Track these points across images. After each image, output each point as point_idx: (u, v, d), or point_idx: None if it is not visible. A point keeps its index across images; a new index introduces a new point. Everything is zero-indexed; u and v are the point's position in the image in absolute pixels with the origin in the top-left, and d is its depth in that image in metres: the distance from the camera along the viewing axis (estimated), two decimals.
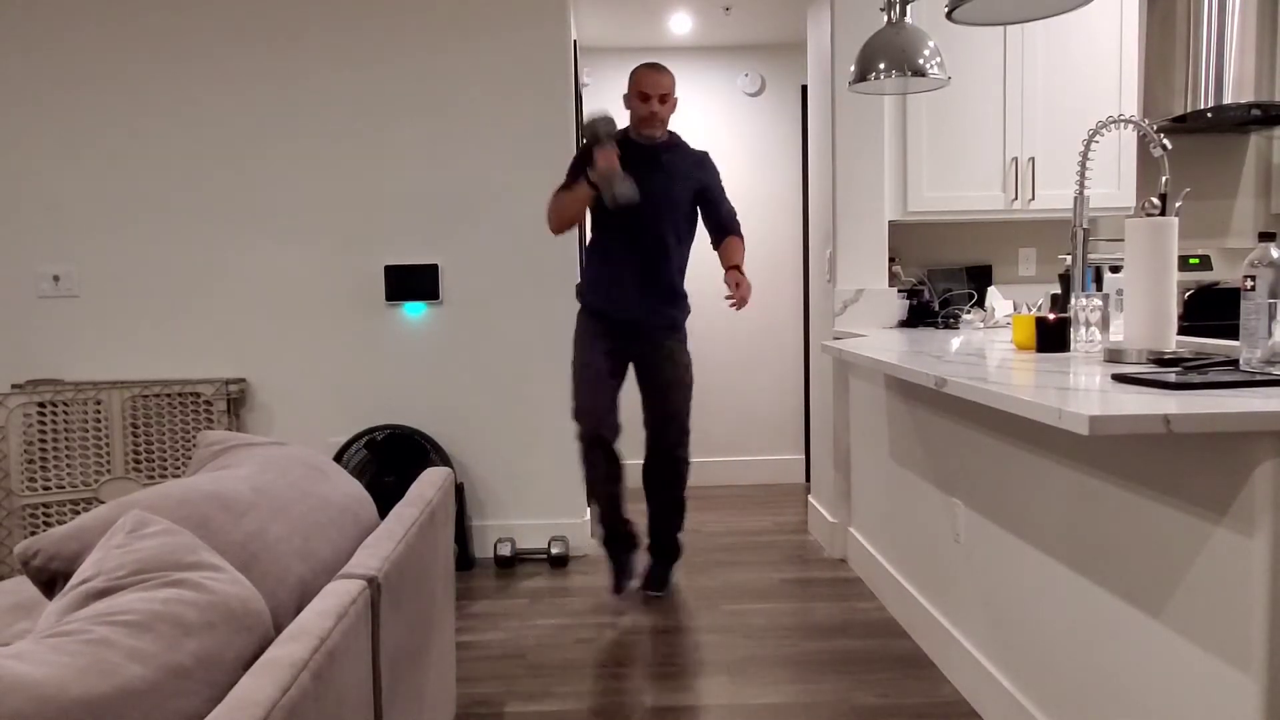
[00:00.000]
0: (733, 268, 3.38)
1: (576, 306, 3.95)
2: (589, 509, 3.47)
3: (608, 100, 5.07)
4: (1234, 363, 1.89)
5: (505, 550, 3.88)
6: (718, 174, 3.48)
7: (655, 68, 3.33)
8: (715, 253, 3.51)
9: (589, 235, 3.48)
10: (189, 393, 3.76)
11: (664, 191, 3.34)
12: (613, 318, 3.38)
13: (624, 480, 3.45)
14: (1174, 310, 2.13)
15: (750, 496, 4.99)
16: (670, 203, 3.36)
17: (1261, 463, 1.44)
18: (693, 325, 5.17)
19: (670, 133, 3.43)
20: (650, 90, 3.30)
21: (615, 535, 3.48)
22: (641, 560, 3.60)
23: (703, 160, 3.46)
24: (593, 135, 3.14)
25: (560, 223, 3.33)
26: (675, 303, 3.44)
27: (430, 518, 1.92)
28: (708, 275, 5.16)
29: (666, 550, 3.57)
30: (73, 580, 1.13)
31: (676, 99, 3.38)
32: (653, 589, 3.51)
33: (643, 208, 3.27)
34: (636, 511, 3.57)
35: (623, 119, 3.36)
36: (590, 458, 3.37)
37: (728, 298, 3.34)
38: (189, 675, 1.03)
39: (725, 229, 3.48)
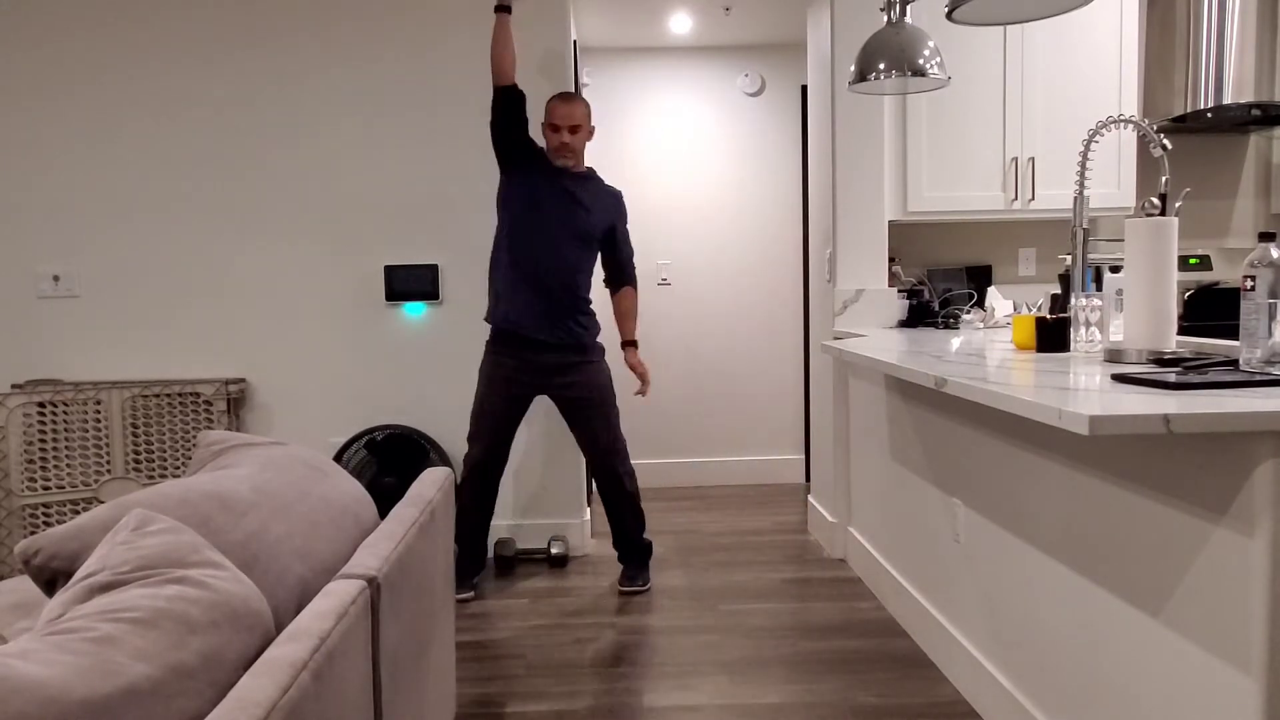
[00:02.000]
0: (629, 343, 3.64)
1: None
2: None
3: (603, 104, 5.07)
4: (1234, 363, 1.89)
5: (505, 550, 3.88)
6: (626, 214, 3.64)
7: (566, 99, 3.45)
8: (611, 294, 3.68)
9: (493, 256, 3.54)
10: (189, 393, 3.76)
11: (573, 216, 3.45)
12: (519, 339, 3.44)
13: (492, 509, 3.56)
14: (1174, 310, 2.13)
15: (750, 496, 4.99)
16: (578, 229, 3.45)
17: (1261, 463, 1.44)
18: (693, 323, 5.17)
19: (589, 168, 3.56)
20: (560, 122, 3.42)
21: (470, 554, 3.55)
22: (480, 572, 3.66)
23: (617, 197, 3.60)
24: None
25: (498, 55, 3.42)
26: (582, 324, 3.51)
27: (430, 518, 1.92)
28: (707, 273, 5.16)
29: (636, 550, 3.60)
30: (77, 575, 1.13)
31: (592, 128, 3.53)
32: (636, 585, 3.54)
33: (553, 227, 3.41)
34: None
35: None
36: (473, 481, 3.48)
37: (637, 392, 3.67)
38: (193, 674, 1.03)
39: (624, 273, 3.64)
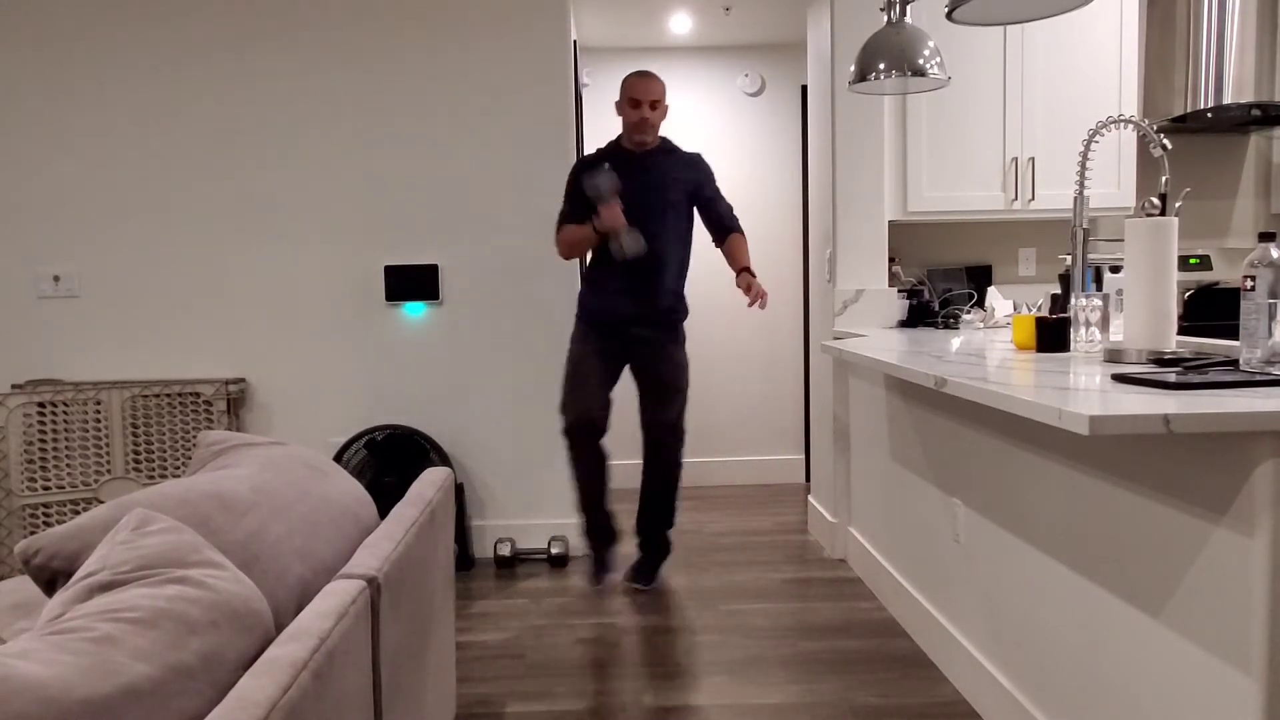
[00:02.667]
0: (743, 270, 3.43)
1: (574, 306, 3.96)
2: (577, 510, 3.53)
3: (603, 103, 5.08)
4: (1234, 363, 1.89)
5: (505, 550, 3.88)
6: (711, 173, 3.54)
7: (646, 75, 3.41)
8: (720, 250, 3.56)
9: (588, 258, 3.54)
10: (189, 393, 3.76)
11: (658, 195, 3.40)
12: (611, 322, 3.43)
13: (609, 475, 3.51)
14: (1174, 310, 2.13)
15: (750, 496, 4.99)
16: (664, 206, 3.41)
17: (1261, 463, 1.44)
18: (692, 325, 5.17)
19: (662, 138, 3.50)
20: (641, 97, 3.38)
21: (596, 527, 3.53)
22: (621, 554, 3.64)
23: (695, 161, 3.52)
24: (596, 194, 3.25)
25: (569, 255, 3.46)
26: (673, 305, 3.49)
27: (430, 518, 1.92)
28: (708, 275, 5.16)
29: (656, 547, 3.61)
30: (77, 575, 1.13)
31: (667, 105, 3.47)
32: (640, 582, 3.54)
33: (638, 213, 3.33)
34: (625, 511, 3.58)
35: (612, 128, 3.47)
36: (578, 449, 3.43)
37: (751, 304, 3.39)
38: (193, 674, 1.03)
39: (725, 226, 3.53)
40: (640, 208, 3.35)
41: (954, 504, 2.64)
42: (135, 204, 3.87)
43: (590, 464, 3.45)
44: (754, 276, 3.40)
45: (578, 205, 3.39)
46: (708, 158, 5.06)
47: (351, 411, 3.96)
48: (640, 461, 3.59)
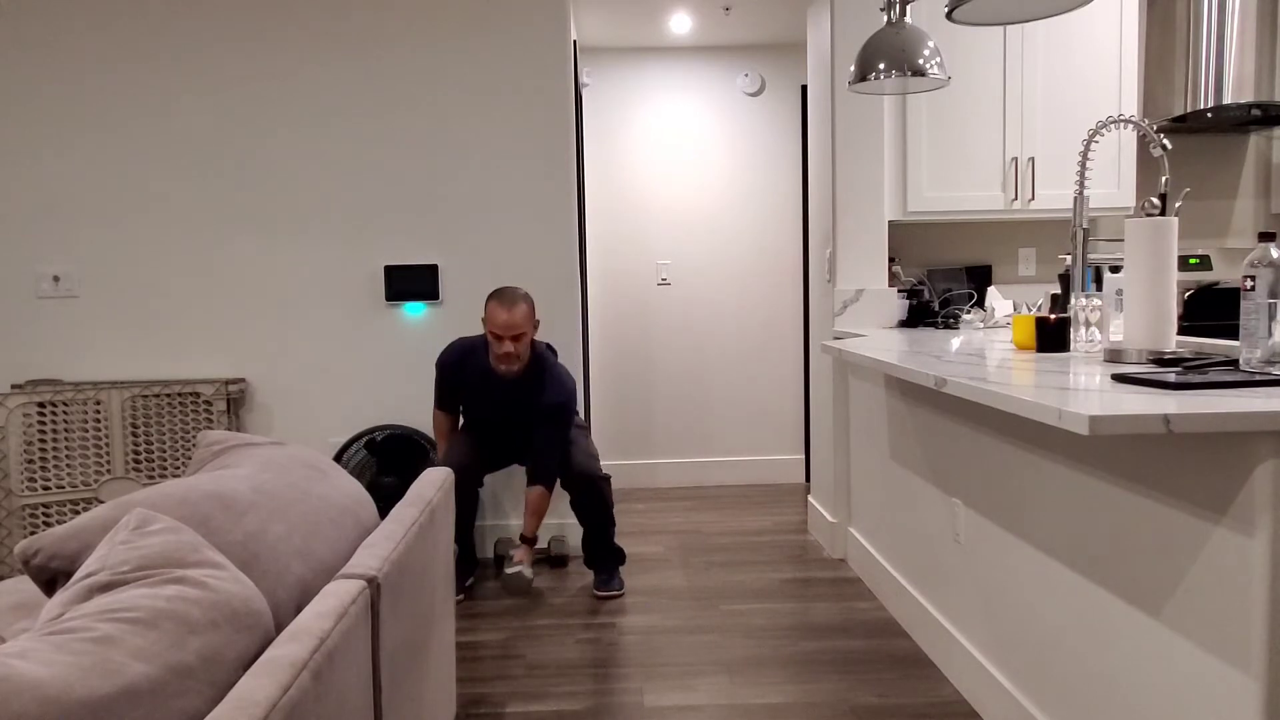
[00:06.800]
0: (527, 540, 3.37)
1: (576, 305, 3.96)
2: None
3: (603, 103, 5.07)
4: (1234, 363, 1.89)
5: (505, 550, 3.88)
6: (571, 417, 3.43)
7: (506, 303, 3.23)
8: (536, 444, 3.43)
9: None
10: (189, 393, 3.76)
11: (525, 411, 3.46)
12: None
13: (475, 518, 3.64)
14: (1174, 310, 2.13)
15: (750, 496, 4.99)
16: (530, 419, 3.46)
17: (1261, 463, 1.44)
18: (693, 324, 5.17)
19: (535, 358, 3.41)
20: (502, 331, 3.25)
21: (460, 556, 3.59)
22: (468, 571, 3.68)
23: (565, 405, 3.37)
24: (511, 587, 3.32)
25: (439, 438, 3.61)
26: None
27: (430, 518, 1.92)
28: (708, 274, 5.16)
29: (608, 557, 3.56)
30: (77, 575, 1.13)
31: (537, 322, 3.35)
32: (607, 590, 3.48)
33: (502, 426, 3.52)
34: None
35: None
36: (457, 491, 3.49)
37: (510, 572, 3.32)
38: (192, 674, 1.03)
39: (541, 471, 3.36)
40: (504, 424, 3.51)
41: (954, 504, 2.64)
42: (135, 204, 3.87)
43: (462, 499, 3.45)
44: (531, 547, 3.35)
45: (446, 394, 3.53)
46: (707, 158, 5.12)
47: (351, 411, 3.96)
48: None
